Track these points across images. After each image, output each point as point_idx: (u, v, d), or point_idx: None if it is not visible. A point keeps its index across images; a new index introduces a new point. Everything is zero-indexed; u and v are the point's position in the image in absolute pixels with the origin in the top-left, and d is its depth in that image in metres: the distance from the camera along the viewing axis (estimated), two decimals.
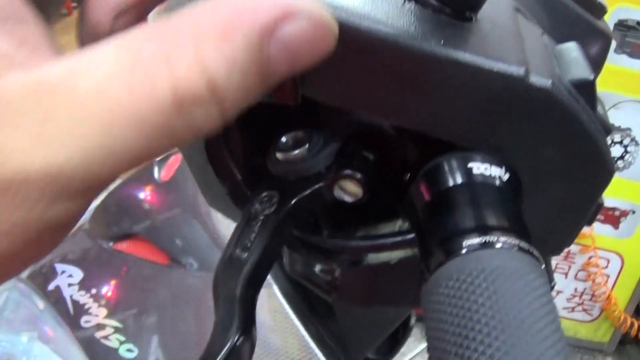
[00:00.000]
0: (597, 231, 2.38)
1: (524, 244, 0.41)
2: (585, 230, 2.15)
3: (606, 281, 2.49)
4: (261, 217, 0.57)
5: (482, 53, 0.44)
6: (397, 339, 1.16)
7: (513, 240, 0.41)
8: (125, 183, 1.12)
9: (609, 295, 2.52)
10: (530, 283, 0.39)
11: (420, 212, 0.49)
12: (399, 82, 0.46)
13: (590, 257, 2.43)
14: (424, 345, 2.63)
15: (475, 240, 0.41)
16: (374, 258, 0.64)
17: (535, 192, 0.49)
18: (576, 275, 2.48)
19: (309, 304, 0.86)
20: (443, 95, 0.45)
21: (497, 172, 0.47)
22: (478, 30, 0.46)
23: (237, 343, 0.48)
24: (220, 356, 0.47)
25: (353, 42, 0.45)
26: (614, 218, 2.37)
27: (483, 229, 0.42)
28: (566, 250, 1.84)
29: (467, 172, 0.47)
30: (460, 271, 0.40)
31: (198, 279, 0.91)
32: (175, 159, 1.06)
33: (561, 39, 0.54)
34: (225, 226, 0.93)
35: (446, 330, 0.39)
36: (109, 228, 1.08)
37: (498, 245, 0.41)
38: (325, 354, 0.82)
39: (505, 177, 0.47)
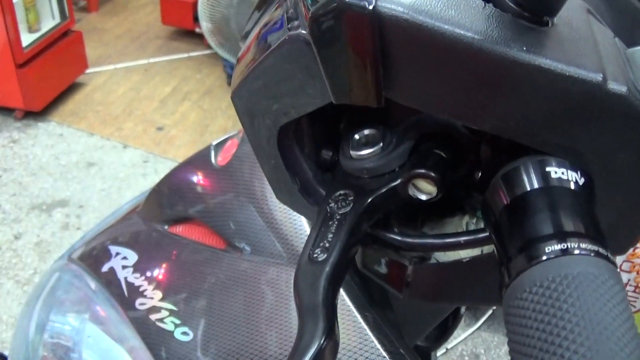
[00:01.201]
0: None
1: (601, 250, 0.42)
2: None
3: None
4: (337, 217, 0.57)
5: (561, 58, 0.44)
6: (446, 327, 1.16)
7: (591, 246, 0.42)
8: (180, 167, 1.12)
9: None
10: (610, 289, 0.39)
11: (498, 216, 0.49)
12: (480, 86, 0.46)
13: (635, 249, 2.39)
14: (468, 332, 2.62)
15: (555, 246, 0.42)
16: (446, 256, 0.63)
17: (606, 194, 0.49)
18: (621, 266, 2.44)
19: (368, 293, 0.86)
20: (523, 100, 0.46)
21: (573, 176, 0.47)
22: (556, 34, 0.47)
23: (323, 345, 0.48)
24: (309, 357, 0.47)
25: (437, 45, 0.45)
26: None
27: (562, 235, 0.43)
28: None
29: (545, 177, 0.47)
30: (543, 277, 0.41)
31: (250, 264, 0.91)
32: (232, 144, 1.05)
33: (629, 39, 0.54)
34: (281, 211, 0.92)
35: (529, 335, 0.39)
36: (163, 211, 1.07)
37: (576, 252, 0.41)
38: (381, 342, 0.82)
39: (581, 181, 0.47)
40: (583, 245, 0.41)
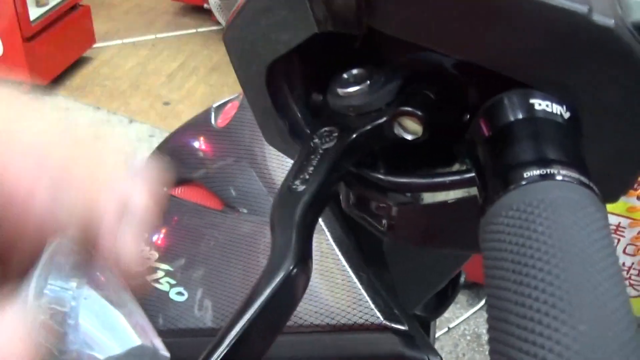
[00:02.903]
0: None
1: (584, 179, 0.41)
2: (636, 203, 2.11)
3: None
4: (320, 151, 0.56)
5: None
6: (445, 296, 1.15)
7: (573, 174, 0.40)
8: (181, 129, 1.11)
9: None
10: (590, 215, 0.38)
11: (480, 148, 0.48)
12: (464, 13, 0.45)
13: (639, 232, 2.38)
14: (470, 312, 2.62)
15: (535, 172, 0.41)
16: (431, 197, 0.63)
17: (594, 133, 0.48)
18: (625, 249, 2.43)
19: (362, 252, 0.85)
20: (507, 29, 0.45)
21: (558, 110, 0.46)
22: None
23: (292, 273, 0.47)
24: (274, 285, 0.46)
25: None
26: None
27: (543, 162, 0.41)
28: (615, 223, 1.81)
29: (529, 108, 0.46)
30: (519, 202, 0.39)
31: (249, 224, 0.90)
32: (232, 106, 1.04)
33: None
34: (282, 174, 0.91)
35: (505, 259, 0.38)
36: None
37: (558, 178, 0.40)
38: (375, 302, 0.82)
39: (566, 115, 0.46)
40: (564, 172, 0.40)
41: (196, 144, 1.05)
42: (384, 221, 0.63)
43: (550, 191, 0.39)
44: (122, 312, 1.00)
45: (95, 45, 4.45)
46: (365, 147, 0.59)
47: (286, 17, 0.53)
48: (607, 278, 0.36)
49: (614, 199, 0.52)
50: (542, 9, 0.43)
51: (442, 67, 0.57)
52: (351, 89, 0.58)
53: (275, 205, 0.53)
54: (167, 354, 0.88)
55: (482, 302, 2.82)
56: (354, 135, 0.57)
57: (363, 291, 0.81)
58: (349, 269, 0.83)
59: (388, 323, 0.79)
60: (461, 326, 2.78)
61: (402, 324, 0.79)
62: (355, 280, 0.82)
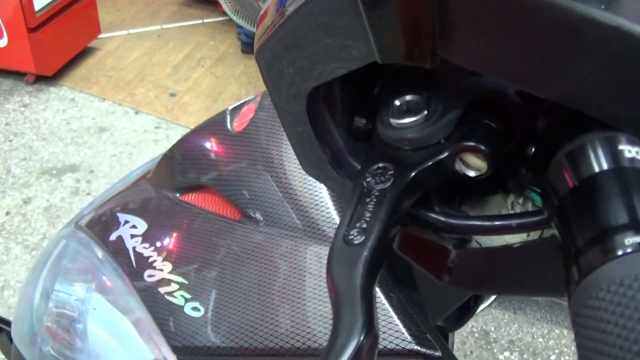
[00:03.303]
0: None
1: None
2: None
3: None
4: (375, 193, 0.50)
5: (639, 20, 0.37)
6: (467, 308, 1.12)
7: None
8: (194, 132, 1.07)
9: None
10: None
11: (563, 199, 0.42)
12: (550, 47, 0.40)
13: None
14: (479, 309, 2.60)
15: (634, 239, 0.35)
16: (489, 240, 0.58)
17: None
18: None
19: (393, 271, 0.81)
20: (597, 65, 0.39)
21: None
22: None
23: (363, 342, 0.42)
24: (347, 356, 0.42)
25: (505, 1, 0.39)
26: None
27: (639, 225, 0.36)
28: None
29: (617, 156, 0.40)
30: (624, 275, 0.34)
31: (264, 236, 0.86)
32: (249, 109, 1.00)
33: None
34: (299, 181, 0.87)
35: (608, 342, 0.33)
36: (174, 178, 1.03)
37: None
38: (406, 326, 0.77)
39: None
40: None
41: (210, 147, 1.01)
42: (441, 264, 0.58)
43: None
44: (130, 319, 0.97)
45: (100, 36, 4.44)
46: (425, 186, 0.53)
47: (340, 42, 0.47)
48: None
49: None
50: (632, 41, 0.38)
51: (505, 94, 0.51)
52: (407, 120, 0.52)
53: (333, 261, 0.47)
54: None
55: (491, 299, 2.79)
56: (413, 174, 0.51)
57: (393, 314, 0.77)
58: (378, 290, 0.79)
59: (420, 348, 0.75)
60: (469, 323, 2.74)
61: (434, 349, 0.75)
62: (385, 301, 0.78)
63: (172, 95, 4.07)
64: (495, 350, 2.63)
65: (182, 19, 4.87)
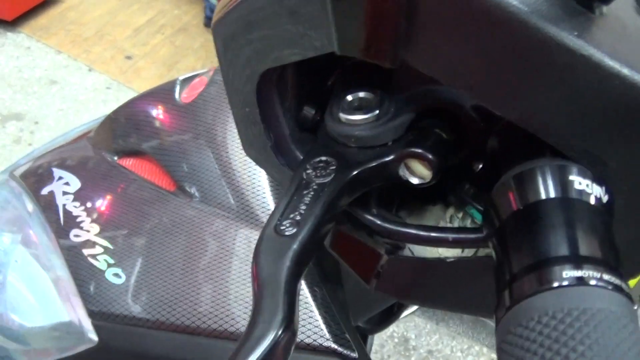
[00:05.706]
0: None
1: (618, 281, 0.35)
2: None
3: None
4: (314, 186, 0.49)
5: (613, 55, 0.37)
6: (391, 312, 1.12)
7: (610, 278, 0.35)
8: (141, 97, 1.05)
9: None
10: (632, 334, 0.34)
11: (505, 221, 0.41)
12: (517, 66, 0.39)
13: None
14: (402, 315, 2.61)
15: (572, 272, 0.35)
16: (424, 250, 0.57)
17: (627, 216, 0.42)
18: None
19: (320, 268, 0.80)
20: (562, 92, 0.38)
21: (597, 191, 0.40)
22: (608, 26, 0.39)
23: (280, 337, 0.41)
24: (261, 351, 0.41)
25: (477, 9, 0.38)
26: None
27: (579, 260, 0.36)
28: None
29: (566, 186, 0.40)
30: (556, 307, 0.34)
31: (197, 212, 0.86)
32: (200, 82, 0.99)
33: None
34: (240, 161, 0.86)
35: None
36: (115, 141, 1.01)
37: (593, 282, 0.35)
38: (326, 323, 0.77)
39: (605, 198, 0.40)
40: (602, 276, 0.35)
41: (155, 115, 0.99)
42: (370, 268, 0.58)
43: (590, 300, 0.34)
44: (50, 277, 0.95)
45: None
46: (365, 186, 0.52)
47: (301, 28, 0.46)
48: None
49: (635, 275, 0.47)
50: (606, 76, 0.37)
51: (461, 106, 0.50)
52: (356, 117, 0.51)
53: (261, 249, 0.46)
54: (95, 337, 0.83)
55: (415, 307, 2.81)
56: (355, 172, 0.50)
57: (315, 309, 0.77)
58: (303, 283, 0.78)
59: (337, 347, 0.75)
60: (391, 328, 2.76)
61: (351, 350, 0.75)
62: (309, 295, 0.78)
63: (128, 57, 4.02)
64: (413, 358, 2.64)
65: None
